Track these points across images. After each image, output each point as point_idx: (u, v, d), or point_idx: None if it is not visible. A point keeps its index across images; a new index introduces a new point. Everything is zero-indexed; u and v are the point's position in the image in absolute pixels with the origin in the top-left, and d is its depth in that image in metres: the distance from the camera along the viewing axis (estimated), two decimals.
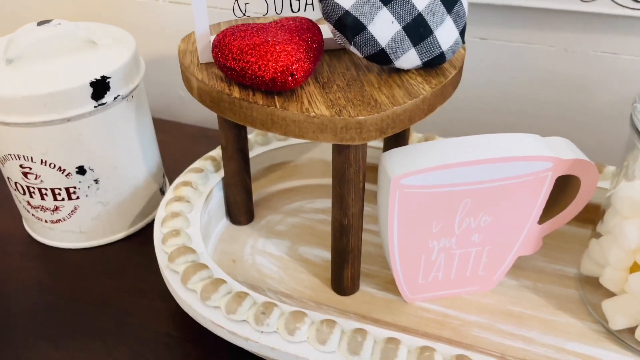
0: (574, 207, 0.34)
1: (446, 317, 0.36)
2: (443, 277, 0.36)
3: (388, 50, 0.29)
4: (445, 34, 0.29)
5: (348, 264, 0.35)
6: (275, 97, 0.29)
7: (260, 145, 0.45)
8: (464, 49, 0.34)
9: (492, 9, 0.49)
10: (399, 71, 0.31)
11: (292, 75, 0.27)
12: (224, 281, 0.32)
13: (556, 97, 0.52)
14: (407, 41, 0.29)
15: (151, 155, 0.44)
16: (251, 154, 0.44)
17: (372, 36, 0.28)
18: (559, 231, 0.41)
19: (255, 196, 0.45)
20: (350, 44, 0.29)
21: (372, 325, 0.32)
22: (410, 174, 0.30)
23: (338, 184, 0.31)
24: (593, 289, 0.35)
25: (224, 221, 0.43)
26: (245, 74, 0.28)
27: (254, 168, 0.45)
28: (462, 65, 0.32)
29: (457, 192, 0.31)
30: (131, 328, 0.36)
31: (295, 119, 0.28)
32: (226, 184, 0.41)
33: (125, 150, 0.40)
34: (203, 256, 0.34)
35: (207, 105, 0.31)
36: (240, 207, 0.42)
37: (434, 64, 0.30)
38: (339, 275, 0.36)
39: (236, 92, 0.29)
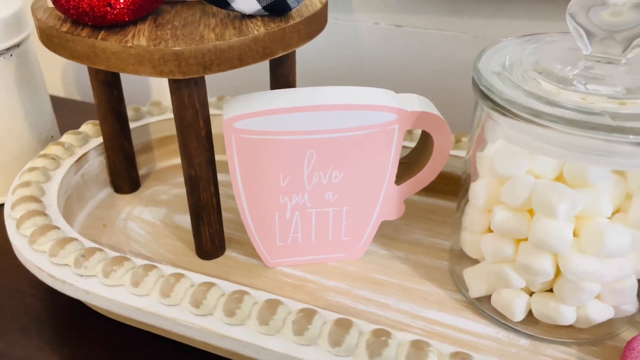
0: (431, 168, 0.33)
1: (304, 282, 0.34)
2: (303, 240, 0.34)
3: None
4: None
5: (204, 222, 0.34)
6: (103, 32, 0.28)
7: (153, 115, 0.45)
8: (323, 7, 0.33)
9: None
10: (244, 17, 0.31)
11: (109, 5, 0.27)
12: (56, 227, 0.31)
13: (469, 84, 0.51)
14: None
15: (39, 121, 0.43)
16: (141, 123, 0.44)
17: None
18: (442, 206, 0.40)
19: (146, 168, 0.45)
20: None
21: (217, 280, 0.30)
22: (243, 117, 0.29)
23: (178, 129, 0.31)
24: (460, 260, 0.34)
25: (108, 189, 0.42)
26: (69, 7, 0.28)
27: (145, 138, 0.44)
28: (313, 16, 0.31)
29: (298, 140, 0.30)
30: None
31: (115, 50, 0.27)
32: (105, 147, 0.40)
33: (4, 112, 0.40)
34: (51, 208, 0.33)
35: (45, 45, 0.30)
36: (120, 172, 0.41)
37: (277, 10, 0.30)
38: (197, 235, 0.35)
39: (65, 28, 0.29)
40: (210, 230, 0.34)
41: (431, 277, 0.35)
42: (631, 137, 0.24)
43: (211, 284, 0.27)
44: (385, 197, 0.33)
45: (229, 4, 0.29)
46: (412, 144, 0.37)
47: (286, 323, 0.25)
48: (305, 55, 0.56)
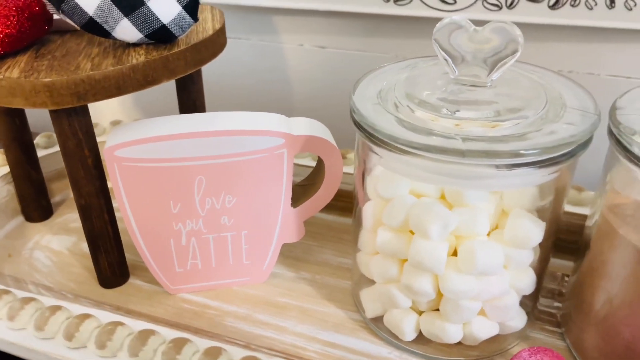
0: (326, 190, 0.33)
1: (205, 308, 0.34)
2: (204, 265, 0.34)
3: (98, 20, 0.29)
4: (160, 6, 0.29)
5: (101, 251, 0.34)
6: None
7: None
8: (216, 34, 0.33)
9: (330, 17, 0.50)
10: (130, 46, 0.31)
11: None
12: None
13: None
14: (116, 10, 0.28)
15: None
16: (53, 150, 0.43)
17: (76, 4, 0.28)
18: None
19: (60, 196, 0.44)
20: (59, 12, 0.29)
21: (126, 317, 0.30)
22: (124, 145, 0.29)
23: (63, 159, 0.30)
24: (359, 280, 0.34)
25: (20, 218, 0.42)
26: None
27: (58, 165, 0.44)
28: (202, 42, 0.31)
29: (185, 167, 0.30)
30: None
31: None
32: (12, 176, 0.40)
33: None
34: None
35: None
36: (30, 201, 0.40)
37: (161, 38, 0.30)
38: (97, 264, 0.34)
39: None
40: (108, 259, 0.34)
41: (334, 298, 0.35)
42: (497, 160, 0.24)
43: (86, 316, 0.26)
44: (284, 220, 0.34)
45: (109, 34, 0.29)
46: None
47: (156, 354, 0.25)
48: (229, 78, 0.56)
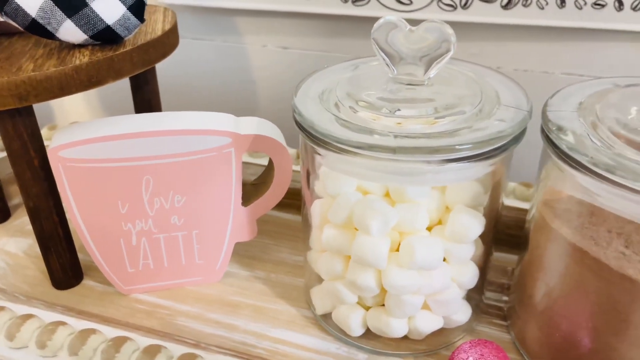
0: (276, 188, 0.34)
1: (157, 308, 0.34)
2: (155, 266, 0.34)
3: (41, 22, 0.29)
4: (104, 7, 0.29)
5: (52, 252, 0.34)
6: None
7: None
8: (166, 34, 0.33)
9: (292, 18, 0.50)
10: (76, 47, 0.31)
11: None
12: None
13: None
14: (58, 12, 0.29)
15: None
16: None
17: (18, 5, 0.28)
18: None
19: (19, 198, 0.44)
20: (2, 14, 0.29)
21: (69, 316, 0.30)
22: (68, 145, 0.29)
23: (10, 161, 0.30)
24: (311, 277, 0.34)
25: None
26: None
27: None
28: (150, 43, 0.31)
29: (131, 167, 0.30)
30: None
31: None
32: None
33: None
34: None
35: None
36: None
37: (106, 39, 0.30)
38: (48, 266, 0.34)
39: None
40: (60, 260, 0.34)
41: (287, 296, 0.35)
42: (427, 156, 0.25)
43: (28, 316, 0.26)
44: (235, 219, 0.34)
45: (54, 35, 0.29)
46: None
47: (96, 352, 0.25)
48: (193, 79, 0.56)
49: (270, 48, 0.53)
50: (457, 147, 0.24)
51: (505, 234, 0.37)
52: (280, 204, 0.36)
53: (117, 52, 0.30)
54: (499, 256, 0.37)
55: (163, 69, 0.57)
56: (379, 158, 0.25)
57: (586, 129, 0.25)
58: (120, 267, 0.34)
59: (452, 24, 0.45)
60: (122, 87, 0.44)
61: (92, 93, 0.61)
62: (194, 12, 0.52)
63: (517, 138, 0.26)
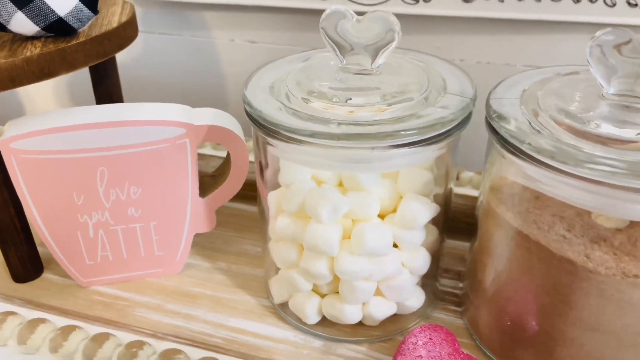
0: (233, 180, 0.34)
1: (117, 300, 0.34)
2: (114, 257, 0.34)
3: None
4: None
5: (9, 245, 0.33)
6: None
7: None
8: (122, 26, 0.33)
9: (260, 12, 0.50)
10: (29, 39, 0.31)
11: None
12: None
13: None
14: (9, 3, 0.29)
15: None
16: None
17: None
18: None
19: None
20: None
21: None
22: (20, 137, 0.29)
23: None
24: (270, 267, 0.35)
25: None
26: None
27: None
28: (105, 35, 0.31)
29: (85, 158, 0.30)
30: None
31: None
32: None
33: None
34: None
35: None
36: None
37: (59, 31, 0.30)
38: (7, 259, 0.34)
39: None
40: (18, 253, 0.34)
41: (247, 286, 0.35)
42: (371, 142, 0.25)
43: None
44: (194, 210, 0.34)
45: (6, 27, 0.29)
46: None
47: (45, 341, 0.25)
48: (161, 74, 0.56)
49: (239, 42, 0.53)
50: (400, 133, 0.24)
51: (463, 222, 0.38)
52: (243, 196, 0.36)
53: (69, 44, 0.30)
54: (457, 244, 0.38)
55: (132, 64, 0.57)
56: (324, 145, 0.25)
57: (527, 116, 0.25)
58: (79, 260, 0.34)
59: (415, 17, 0.46)
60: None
61: (62, 87, 0.61)
62: (162, 7, 0.52)
63: (461, 124, 0.26)
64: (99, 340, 0.25)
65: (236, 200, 0.39)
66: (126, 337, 0.28)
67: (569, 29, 0.44)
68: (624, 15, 0.40)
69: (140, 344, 0.25)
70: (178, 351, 0.25)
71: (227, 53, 0.54)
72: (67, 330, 0.25)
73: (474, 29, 0.46)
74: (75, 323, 0.27)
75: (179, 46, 0.54)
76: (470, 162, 0.44)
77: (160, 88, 0.57)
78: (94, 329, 0.26)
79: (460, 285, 0.35)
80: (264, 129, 0.27)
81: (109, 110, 0.31)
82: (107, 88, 0.38)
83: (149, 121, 0.30)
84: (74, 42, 0.30)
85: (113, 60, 0.38)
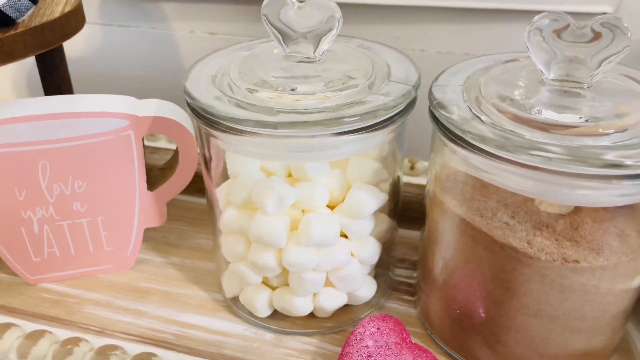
0: (181, 173, 0.33)
1: (65, 297, 0.33)
2: (62, 254, 0.33)
3: None
4: None
5: None
6: None
7: None
8: (65, 16, 0.32)
9: (220, 3, 0.50)
10: None
11: None
12: None
13: None
14: None
15: None
16: None
17: None
18: None
19: None
20: None
21: None
22: None
23: None
24: (222, 261, 0.34)
25: None
26: None
27: None
28: (46, 25, 0.30)
29: (25, 152, 0.29)
30: None
31: None
32: None
33: None
34: None
35: None
36: None
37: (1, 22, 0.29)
38: None
39: None
40: None
41: (200, 281, 0.35)
42: (309, 131, 0.24)
43: None
44: (142, 204, 0.33)
45: None
46: None
47: None
48: (120, 67, 0.55)
49: (198, 34, 0.52)
50: (341, 120, 0.24)
51: (419, 212, 0.37)
52: (198, 189, 0.36)
53: (7, 34, 0.29)
54: (413, 234, 0.38)
55: (88, 57, 0.56)
56: (267, 135, 0.24)
57: (469, 103, 0.25)
58: (24, 257, 0.33)
59: (374, 6, 0.46)
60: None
61: (21, 79, 0.59)
62: None
63: (404, 111, 0.26)
64: (34, 337, 0.24)
65: (191, 193, 0.38)
66: (69, 335, 0.27)
67: (529, 18, 0.44)
68: (585, 4, 0.40)
69: (76, 341, 0.24)
70: (115, 347, 0.25)
71: (187, 45, 0.53)
72: (2, 329, 0.24)
73: (434, 18, 0.45)
74: (14, 321, 0.26)
75: (138, 38, 0.53)
76: (425, 152, 0.44)
77: (120, 81, 0.56)
78: (33, 327, 0.25)
79: (415, 274, 0.35)
80: (204, 120, 0.26)
81: (50, 102, 0.30)
82: (54, 80, 0.37)
83: (91, 112, 0.29)
84: (11, 32, 0.29)
85: (60, 50, 0.37)
